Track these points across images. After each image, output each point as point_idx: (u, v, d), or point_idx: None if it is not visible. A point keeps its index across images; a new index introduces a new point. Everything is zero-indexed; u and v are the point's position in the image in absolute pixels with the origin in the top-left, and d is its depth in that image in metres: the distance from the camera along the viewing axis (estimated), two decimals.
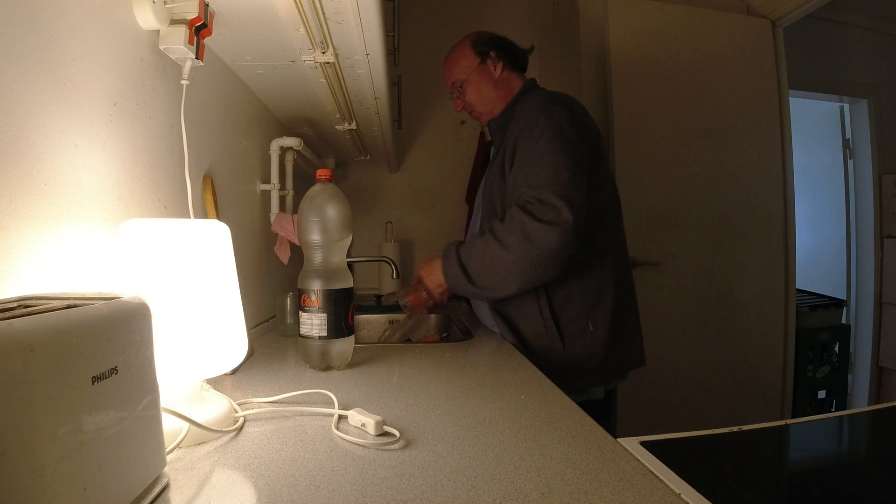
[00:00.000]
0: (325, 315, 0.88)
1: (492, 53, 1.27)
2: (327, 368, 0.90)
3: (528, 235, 1.03)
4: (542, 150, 1.09)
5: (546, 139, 1.09)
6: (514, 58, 1.30)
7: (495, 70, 1.27)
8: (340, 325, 0.89)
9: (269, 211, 1.39)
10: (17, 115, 0.48)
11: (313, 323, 0.88)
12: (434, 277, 1.18)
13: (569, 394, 1.15)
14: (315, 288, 0.89)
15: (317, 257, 0.91)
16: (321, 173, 0.91)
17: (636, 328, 1.26)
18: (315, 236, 0.89)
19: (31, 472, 0.30)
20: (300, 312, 0.90)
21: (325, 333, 0.88)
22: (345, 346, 0.91)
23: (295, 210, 1.45)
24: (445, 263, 1.14)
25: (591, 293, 1.16)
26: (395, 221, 2.38)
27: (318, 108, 1.41)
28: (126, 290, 0.46)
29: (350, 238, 0.94)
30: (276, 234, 1.39)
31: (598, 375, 1.18)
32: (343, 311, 0.90)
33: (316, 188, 0.91)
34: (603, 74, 2.07)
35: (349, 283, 0.92)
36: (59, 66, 0.55)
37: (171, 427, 0.54)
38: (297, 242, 1.20)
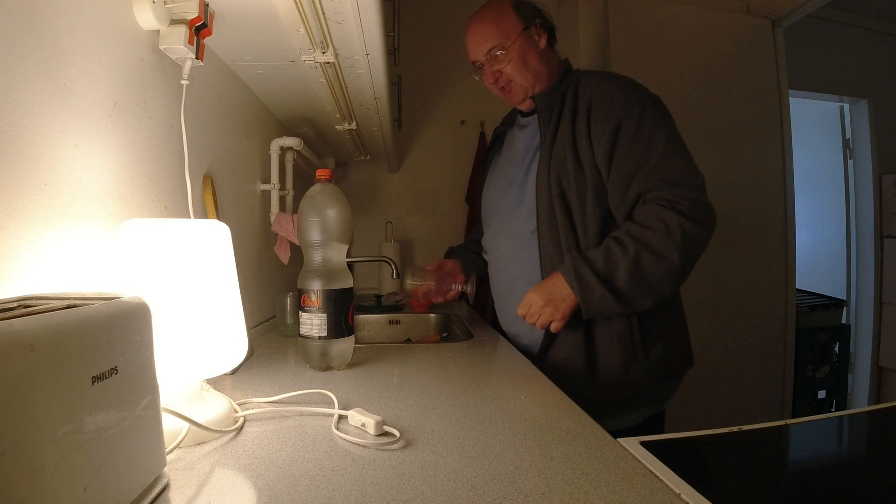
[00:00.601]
0: (325, 315, 0.88)
1: (538, 21, 1.14)
2: (327, 368, 0.90)
3: (688, 238, 0.95)
4: (666, 141, 1.00)
5: (666, 130, 1.02)
6: (552, 34, 1.18)
7: (539, 41, 1.14)
8: (340, 325, 0.89)
9: (269, 211, 1.39)
10: (16, 115, 0.48)
11: (313, 323, 0.88)
12: (560, 305, 1.01)
13: (650, 403, 1.11)
14: (315, 288, 0.89)
15: (317, 257, 0.91)
16: (321, 173, 0.91)
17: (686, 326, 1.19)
18: (315, 236, 0.89)
19: (31, 472, 0.30)
20: (300, 312, 0.90)
21: (325, 333, 0.88)
22: (345, 346, 0.91)
23: (295, 210, 1.45)
24: (581, 286, 0.98)
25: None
26: (394, 221, 2.38)
27: (318, 108, 1.41)
28: (126, 290, 0.46)
29: (350, 238, 0.93)
30: (276, 234, 1.39)
31: (676, 379, 1.13)
32: (343, 311, 0.90)
33: (316, 188, 0.91)
34: None
35: (349, 283, 0.92)
36: (58, 66, 0.55)
37: (171, 427, 0.53)
38: (297, 242, 1.20)
